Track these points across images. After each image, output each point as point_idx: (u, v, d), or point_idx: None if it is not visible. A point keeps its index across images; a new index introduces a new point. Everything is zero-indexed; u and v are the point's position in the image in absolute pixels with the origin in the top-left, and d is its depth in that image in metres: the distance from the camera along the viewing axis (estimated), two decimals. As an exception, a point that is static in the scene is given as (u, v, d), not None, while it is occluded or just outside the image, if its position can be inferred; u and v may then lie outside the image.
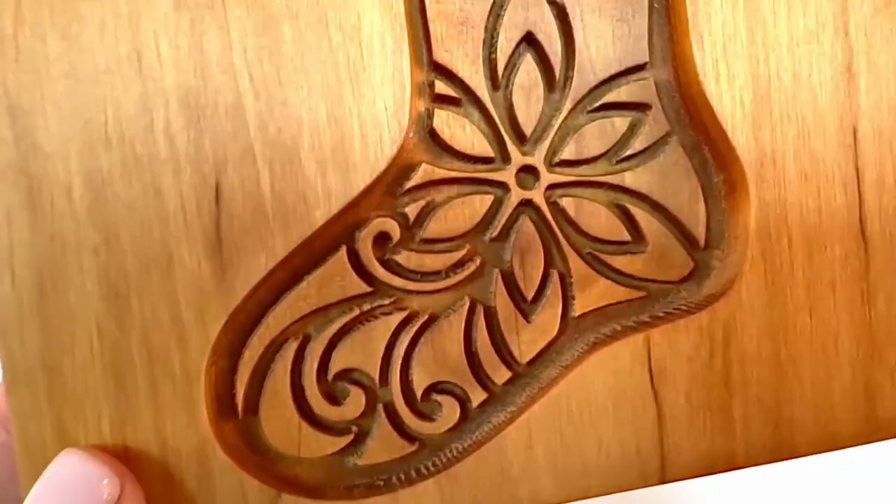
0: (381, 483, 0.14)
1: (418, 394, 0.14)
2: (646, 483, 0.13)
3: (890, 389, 0.13)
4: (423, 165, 0.14)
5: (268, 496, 0.14)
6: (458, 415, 0.14)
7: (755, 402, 0.13)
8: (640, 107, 0.14)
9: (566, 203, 0.14)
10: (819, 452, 0.13)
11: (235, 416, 0.14)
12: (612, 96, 0.14)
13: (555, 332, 0.14)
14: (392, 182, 0.14)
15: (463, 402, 0.14)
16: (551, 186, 0.14)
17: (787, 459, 0.13)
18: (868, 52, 0.13)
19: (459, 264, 0.14)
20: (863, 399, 0.13)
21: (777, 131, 0.13)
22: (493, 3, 0.14)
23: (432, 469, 0.14)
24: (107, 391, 0.13)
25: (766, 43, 0.13)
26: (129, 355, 0.14)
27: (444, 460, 0.14)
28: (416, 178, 0.14)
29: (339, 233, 0.14)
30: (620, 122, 0.14)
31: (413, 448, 0.14)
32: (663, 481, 0.13)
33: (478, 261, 0.14)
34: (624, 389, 0.14)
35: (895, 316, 0.13)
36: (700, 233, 0.14)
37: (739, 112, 0.13)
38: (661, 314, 0.14)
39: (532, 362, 0.14)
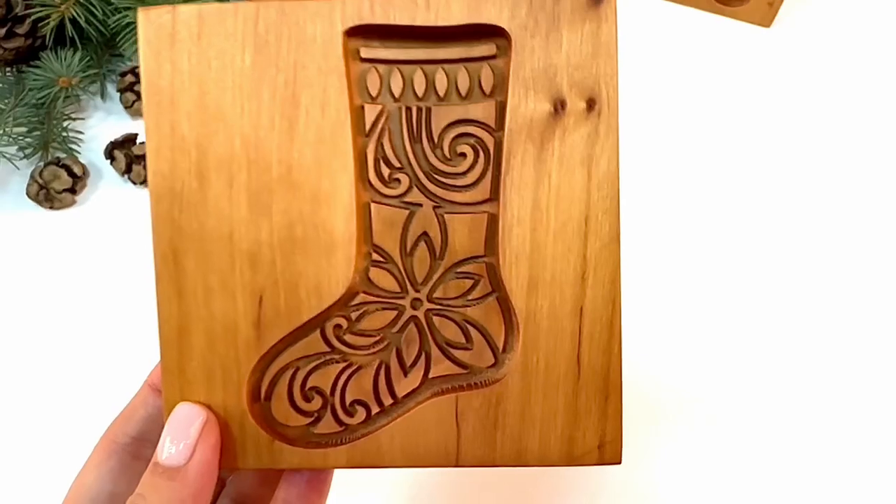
0: (324, 443, 0.26)
1: (347, 403, 0.26)
2: (446, 464, 0.26)
3: (581, 439, 0.26)
4: (361, 293, 0.26)
5: (267, 441, 0.26)
6: (364, 416, 0.26)
7: (510, 435, 0.26)
8: (478, 276, 0.26)
9: (437, 320, 0.26)
10: (542, 466, 0.26)
11: (259, 401, 0.27)
12: (466, 268, 0.26)
13: (417, 384, 0.26)
14: (344, 301, 0.26)
15: (368, 409, 0.26)
16: (428, 310, 0.26)
17: (522, 466, 0.26)
18: (595, 267, 0.25)
19: (376, 343, 0.26)
20: (567, 441, 0.26)
21: (538, 303, 0.25)
22: (407, 214, 0.26)
23: (348, 440, 0.26)
24: (205, 380, 0.26)
25: (536, 256, 0.25)
26: (216, 371, 0.26)
27: (355, 437, 0.26)
28: (357, 300, 0.26)
29: (316, 323, 0.26)
30: (468, 281, 0.26)
31: (341, 429, 0.26)
32: (457, 465, 0.26)
33: (386, 342, 0.26)
34: (443, 418, 0.26)
35: (586, 399, 0.26)
36: (500, 344, 0.26)
37: (519, 289, 0.25)
38: (469, 383, 0.26)
39: (405, 397, 0.26)
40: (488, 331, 0.26)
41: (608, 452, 0.25)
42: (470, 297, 0.26)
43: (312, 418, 0.26)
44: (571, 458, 0.25)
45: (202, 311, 0.26)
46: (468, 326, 0.26)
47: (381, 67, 0.26)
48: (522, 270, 0.25)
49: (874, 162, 0.54)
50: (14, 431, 0.46)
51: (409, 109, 0.26)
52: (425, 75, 0.26)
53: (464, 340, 0.26)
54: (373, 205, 0.26)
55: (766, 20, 0.62)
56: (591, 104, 0.24)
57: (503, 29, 0.25)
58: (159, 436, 0.26)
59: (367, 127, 0.26)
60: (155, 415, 0.29)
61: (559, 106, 0.24)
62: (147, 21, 0.26)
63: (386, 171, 0.26)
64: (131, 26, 0.54)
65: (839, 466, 0.43)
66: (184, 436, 0.25)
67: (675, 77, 0.60)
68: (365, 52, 0.26)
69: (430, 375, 0.26)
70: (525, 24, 0.24)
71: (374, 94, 0.26)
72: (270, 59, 0.26)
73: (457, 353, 0.26)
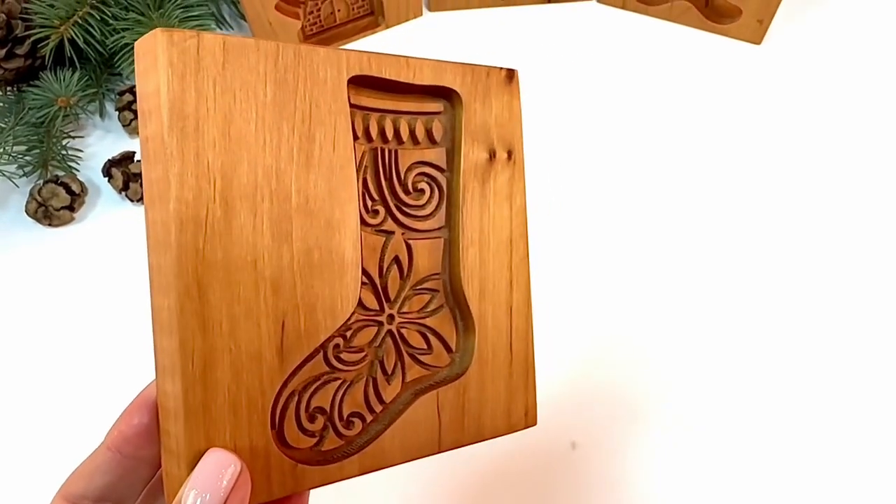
0: (333, 458, 0.28)
1: (345, 417, 0.28)
2: (431, 452, 0.29)
3: (515, 411, 0.32)
4: (353, 312, 0.28)
5: (291, 466, 0.27)
6: (360, 427, 0.28)
7: (473, 416, 0.30)
8: (435, 290, 0.31)
9: (405, 331, 0.30)
10: (493, 437, 0.31)
11: (274, 428, 0.27)
12: (427, 285, 0.30)
13: (399, 388, 0.29)
14: (342, 326, 0.28)
15: (363, 419, 0.28)
16: (399, 323, 0.30)
17: (480, 441, 0.30)
18: (516, 276, 0.32)
19: (363, 358, 0.29)
20: (507, 413, 0.31)
21: (486, 307, 0.31)
22: (384, 240, 0.29)
23: (354, 451, 0.28)
24: (231, 416, 0.26)
25: (483, 271, 0.31)
26: (242, 405, 0.26)
27: (360, 447, 0.28)
28: (351, 319, 0.28)
29: (319, 349, 0.28)
30: (427, 295, 0.30)
31: (342, 443, 0.28)
32: (439, 451, 0.29)
33: (370, 358, 0.29)
34: (429, 413, 0.30)
35: (515, 378, 0.32)
36: (452, 346, 0.31)
37: (474, 297, 0.31)
38: (444, 378, 0.30)
39: (391, 402, 0.29)
40: (443, 336, 0.31)
41: (530, 418, 0.32)
42: (428, 309, 0.31)
43: (317, 438, 0.27)
44: (509, 427, 0.31)
45: (228, 343, 0.25)
46: (427, 333, 0.30)
47: (362, 113, 0.29)
48: (475, 283, 0.31)
49: (864, 178, 0.55)
50: (10, 444, 0.47)
51: (382, 151, 0.30)
52: (393, 123, 0.30)
53: (425, 346, 0.30)
54: (362, 233, 0.28)
55: (756, 37, 0.62)
56: (509, 154, 0.32)
57: (456, 92, 0.30)
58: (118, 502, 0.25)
59: (357, 163, 0.28)
60: (115, 482, 0.27)
61: (492, 154, 0.31)
62: (171, 43, 0.25)
63: (369, 203, 0.29)
64: (129, 47, 0.55)
65: (811, 465, 0.43)
66: (215, 488, 0.23)
67: (666, 93, 0.60)
68: (353, 100, 0.28)
69: (407, 379, 0.30)
70: (471, 90, 0.31)
71: (359, 135, 0.29)
72: (289, 95, 0.27)
73: (422, 357, 0.30)
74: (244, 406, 0.25)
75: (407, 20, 0.65)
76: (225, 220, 0.25)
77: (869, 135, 0.57)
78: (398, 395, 0.29)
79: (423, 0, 0.66)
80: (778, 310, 0.49)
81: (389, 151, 0.30)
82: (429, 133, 0.31)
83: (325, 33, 0.64)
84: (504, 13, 0.67)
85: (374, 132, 0.29)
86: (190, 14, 0.56)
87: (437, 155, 0.31)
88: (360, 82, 0.28)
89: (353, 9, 0.63)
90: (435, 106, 0.31)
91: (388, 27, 0.65)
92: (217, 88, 0.25)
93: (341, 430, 0.28)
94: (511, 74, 0.32)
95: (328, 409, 0.28)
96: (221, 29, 0.65)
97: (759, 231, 0.52)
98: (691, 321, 0.49)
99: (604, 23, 0.66)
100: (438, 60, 0.30)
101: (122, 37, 0.55)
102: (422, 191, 0.30)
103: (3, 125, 0.57)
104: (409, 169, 0.30)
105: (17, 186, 0.57)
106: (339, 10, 0.62)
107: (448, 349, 0.31)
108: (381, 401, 0.29)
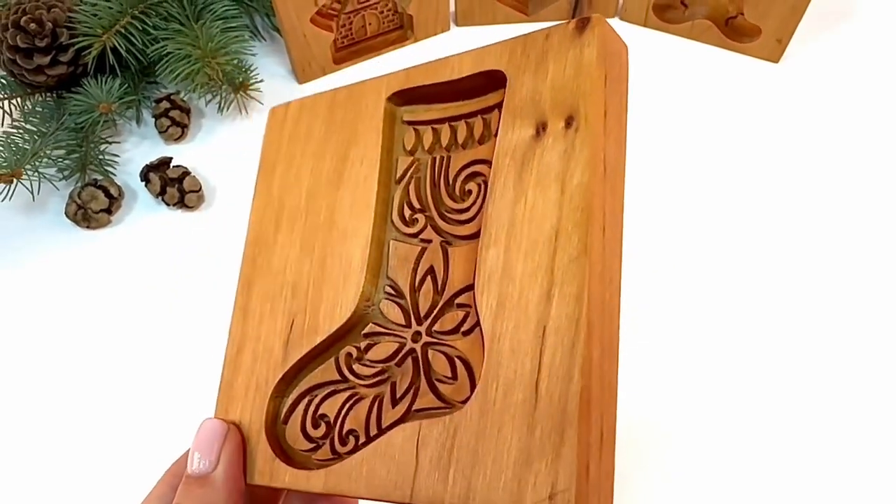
0: (303, 465, 0.27)
1: (344, 432, 0.27)
2: (401, 496, 0.23)
3: (531, 485, 0.21)
4: (371, 324, 0.28)
5: (271, 458, 0.28)
6: (352, 447, 0.26)
7: (461, 471, 0.22)
8: (469, 307, 0.26)
9: (430, 354, 0.26)
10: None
11: (277, 423, 0.29)
12: (460, 300, 0.26)
13: (400, 415, 0.26)
14: (354, 329, 0.28)
15: (357, 439, 0.26)
16: (425, 344, 0.26)
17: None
18: (561, 283, 0.22)
19: (377, 374, 0.27)
20: (516, 484, 0.21)
21: (503, 325, 0.23)
22: (420, 250, 0.28)
23: (321, 465, 0.26)
24: (244, 395, 0.29)
25: (506, 276, 0.23)
26: (252, 388, 0.29)
27: (326, 463, 0.27)
28: (367, 329, 0.28)
29: (332, 351, 0.29)
30: (461, 312, 0.26)
31: (333, 458, 0.27)
32: (411, 501, 0.23)
33: (385, 375, 0.27)
34: (405, 446, 0.24)
35: (540, 434, 0.21)
36: (478, 378, 0.23)
37: (489, 311, 0.24)
38: (434, 408, 0.25)
39: (387, 427, 0.26)
40: (471, 364, 0.25)
41: None
42: (462, 329, 0.25)
43: (314, 445, 0.28)
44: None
45: (255, 333, 0.30)
46: (456, 360, 0.25)
47: (420, 127, 0.30)
48: (493, 291, 0.24)
49: (880, 196, 0.56)
50: (39, 440, 0.48)
51: (434, 159, 0.29)
52: (451, 129, 0.29)
53: (450, 374, 0.25)
54: (392, 242, 0.29)
55: (774, 56, 0.64)
56: (569, 122, 0.24)
57: (501, 71, 0.26)
58: None
59: (398, 175, 0.29)
60: None
61: (541, 128, 0.25)
62: (272, 114, 0.34)
63: (408, 213, 0.29)
64: (169, 56, 0.57)
65: (811, 465, 0.44)
66: (209, 447, 0.28)
67: (684, 111, 0.62)
68: (407, 116, 0.30)
69: (414, 408, 0.25)
70: (519, 63, 0.26)
71: (409, 148, 0.30)
72: (335, 127, 0.31)
73: (441, 387, 0.25)
74: (253, 390, 0.29)
75: (435, 34, 0.67)
76: (273, 237, 0.31)
77: (886, 154, 0.59)
78: (397, 420, 0.26)
79: (451, 15, 0.68)
80: (789, 322, 0.50)
81: (443, 158, 0.29)
82: (486, 127, 0.27)
83: (355, 45, 0.65)
84: (528, 29, 0.68)
85: (427, 143, 0.29)
86: (228, 26, 0.58)
87: (489, 149, 0.27)
88: (408, 99, 0.30)
89: (383, 23, 0.65)
90: (495, 98, 0.27)
91: (416, 41, 0.67)
92: (287, 136, 0.33)
93: (337, 445, 0.27)
94: (583, 23, 0.25)
95: (332, 420, 0.28)
96: (255, 40, 0.67)
97: (775, 247, 0.54)
98: (697, 336, 0.50)
99: (626, 39, 0.67)
100: (482, 47, 0.27)
101: (164, 46, 0.57)
102: (469, 192, 0.27)
103: (43, 130, 0.59)
104: (459, 171, 0.28)
105: (58, 189, 0.59)
106: (370, 24, 0.64)
107: (473, 383, 0.24)
108: (378, 424, 0.26)
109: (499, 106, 0.26)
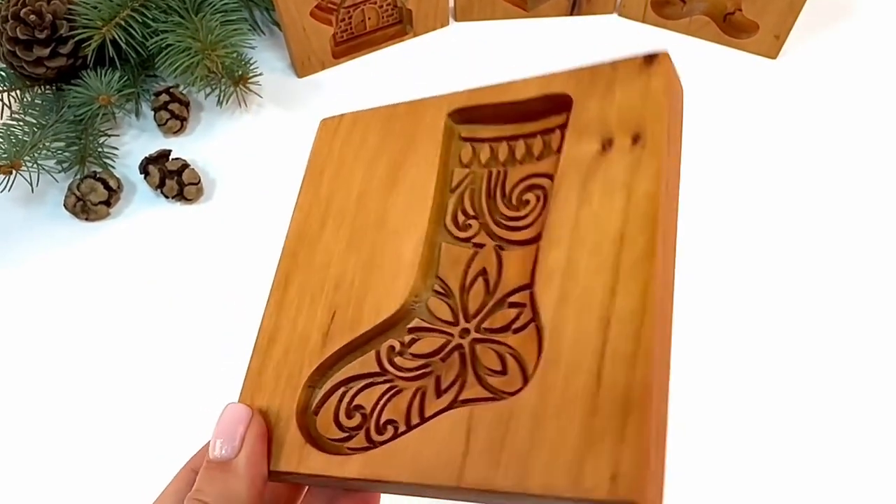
0: (336, 451, 0.27)
1: (381, 422, 0.27)
2: (448, 481, 0.23)
3: (593, 467, 0.21)
4: (417, 319, 0.29)
5: (300, 444, 0.28)
6: (391, 434, 0.27)
7: (516, 455, 0.22)
8: (522, 305, 0.26)
9: (479, 349, 0.27)
10: (545, 495, 0.22)
11: (308, 412, 0.29)
12: (514, 298, 0.27)
13: (446, 405, 0.26)
14: (402, 323, 0.29)
15: (396, 428, 0.27)
16: (473, 340, 0.27)
17: (523, 493, 0.22)
18: (626, 280, 0.23)
19: (420, 368, 0.28)
20: (577, 467, 0.21)
21: (565, 316, 0.23)
22: (472, 253, 0.29)
23: (356, 451, 0.27)
24: (273, 384, 0.30)
25: (568, 272, 0.24)
26: (283, 377, 0.30)
27: (363, 448, 0.27)
28: (413, 324, 0.29)
29: (374, 343, 0.29)
30: (514, 310, 0.26)
31: (368, 445, 0.27)
32: (458, 485, 0.23)
33: (429, 369, 0.27)
34: (455, 430, 0.24)
35: (603, 418, 0.21)
36: (531, 370, 0.24)
37: (549, 303, 0.24)
38: (487, 396, 0.25)
39: (430, 416, 0.26)
40: (522, 358, 0.25)
41: (622, 486, 0.20)
42: (514, 327, 0.26)
43: (346, 435, 0.28)
44: (575, 488, 0.21)
45: (290, 325, 0.31)
46: (506, 354, 0.26)
47: (477, 144, 0.31)
48: (555, 286, 0.24)
49: (879, 193, 0.56)
50: (41, 436, 0.48)
51: (490, 172, 0.30)
52: (509, 146, 0.30)
53: (500, 368, 0.26)
54: (444, 245, 0.30)
55: (772, 52, 0.64)
56: (636, 139, 0.25)
57: (568, 95, 0.27)
58: None
59: (454, 185, 0.31)
60: None
61: (607, 144, 0.26)
62: (323, 125, 0.36)
63: (461, 219, 0.30)
64: (169, 48, 0.57)
65: (810, 466, 0.44)
66: (232, 433, 0.27)
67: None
68: (465, 133, 0.32)
69: (461, 398, 0.26)
70: (585, 88, 0.27)
71: (465, 162, 0.31)
72: (391, 137, 0.33)
73: (489, 380, 0.26)
74: (284, 378, 0.30)
75: (434, 29, 0.67)
76: (318, 234, 0.33)
77: (883, 150, 0.59)
78: (442, 409, 0.26)
79: (450, 10, 0.68)
80: (788, 322, 0.50)
81: (499, 172, 0.30)
82: (546, 146, 0.29)
83: (355, 40, 0.66)
84: (527, 24, 0.69)
85: (484, 158, 0.31)
86: (227, 19, 0.58)
87: (549, 164, 0.28)
88: (468, 118, 0.31)
89: (382, 17, 0.65)
90: (557, 120, 0.29)
91: (415, 35, 0.67)
92: (339, 143, 0.35)
93: (372, 434, 0.27)
94: (650, 59, 0.26)
95: (368, 411, 0.28)
96: (254, 34, 0.67)
97: (772, 243, 0.54)
98: (697, 336, 0.50)
99: (624, 35, 0.68)
100: (546, 73, 0.29)
101: (164, 38, 0.57)
102: (527, 202, 0.28)
103: (43, 122, 0.59)
104: (517, 183, 0.29)
105: (57, 181, 0.59)
106: (369, 19, 0.64)
107: (525, 376, 0.25)
108: (421, 414, 0.26)
109: (560, 127, 0.28)
